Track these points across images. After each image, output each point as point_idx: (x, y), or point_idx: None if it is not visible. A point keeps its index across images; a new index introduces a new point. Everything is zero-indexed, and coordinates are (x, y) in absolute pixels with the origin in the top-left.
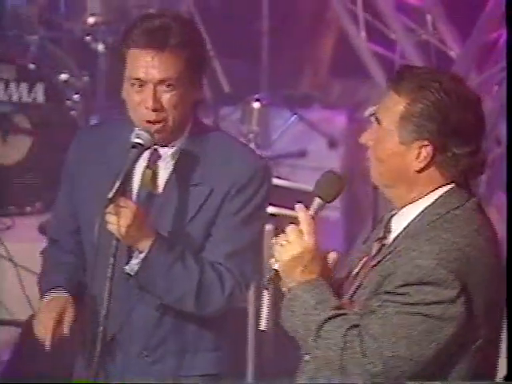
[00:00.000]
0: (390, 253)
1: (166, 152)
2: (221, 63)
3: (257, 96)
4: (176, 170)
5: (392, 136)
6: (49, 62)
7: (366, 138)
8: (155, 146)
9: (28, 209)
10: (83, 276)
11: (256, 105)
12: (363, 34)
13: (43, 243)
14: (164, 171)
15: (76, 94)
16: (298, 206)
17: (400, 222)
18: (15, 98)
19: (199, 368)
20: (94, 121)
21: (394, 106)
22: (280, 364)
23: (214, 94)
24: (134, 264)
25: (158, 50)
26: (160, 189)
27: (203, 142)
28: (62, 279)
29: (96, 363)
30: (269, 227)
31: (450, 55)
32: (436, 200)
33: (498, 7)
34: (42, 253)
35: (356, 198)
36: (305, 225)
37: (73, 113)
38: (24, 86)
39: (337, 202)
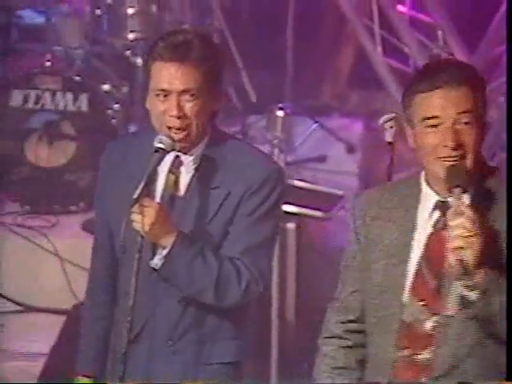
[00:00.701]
0: None
1: (188, 158)
2: (248, 75)
3: (281, 105)
4: (196, 174)
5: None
6: (92, 74)
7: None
8: (177, 153)
9: (72, 208)
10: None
11: (280, 113)
12: (379, 48)
13: (85, 240)
14: (185, 175)
15: (116, 103)
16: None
17: None
18: (61, 106)
19: (220, 356)
20: (132, 128)
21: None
22: (302, 350)
23: (242, 104)
24: (158, 259)
25: (180, 62)
26: (182, 192)
27: (221, 149)
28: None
29: (124, 353)
30: (291, 225)
31: None
32: None
33: (503, 23)
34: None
35: None
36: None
37: (113, 121)
38: (69, 96)
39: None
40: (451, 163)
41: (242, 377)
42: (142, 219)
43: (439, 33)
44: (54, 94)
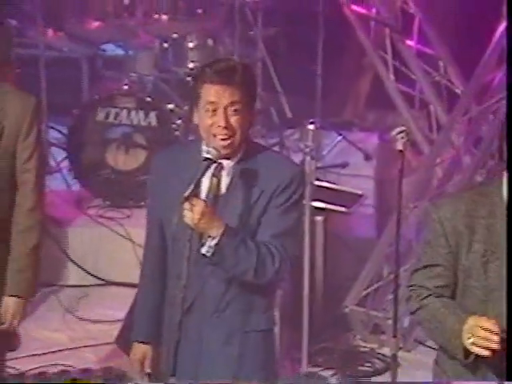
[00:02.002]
0: None
1: (228, 164)
2: (285, 96)
3: (312, 121)
4: (235, 177)
5: None
6: (160, 96)
7: None
8: (220, 160)
9: (142, 203)
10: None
11: (311, 127)
12: (392, 76)
13: None
14: (226, 178)
15: (179, 119)
16: None
17: None
18: (135, 122)
19: (255, 325)
20: (191, 138)
21: None
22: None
23: (280, 120)
24: (208, 247)
25: (226, 84)
26: (223, 191)
27: (254, 156)
28: None
29: (178, 323)
30: (319, 218)
31: (457, 92)
32: None
33: (494, 55)
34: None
35: (385, 197)
36: None
37: (176, 133)
38: (142, 114)
39: (370, 201)
40: None
41: (274, 342)
42: (192, 214)
43: (440, 63)
44: (129, 111)
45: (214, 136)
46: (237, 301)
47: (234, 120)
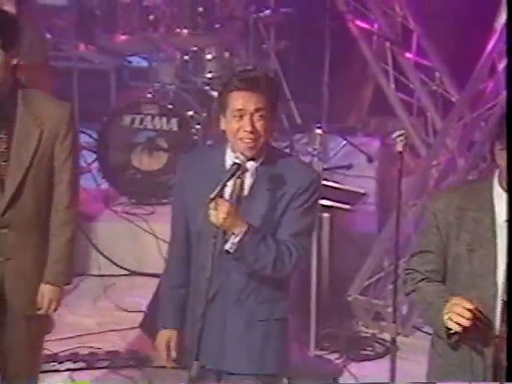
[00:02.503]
0: None
1: (252, 166)
2: (295, 104)
3: (319, 126)
4: (258, 179)
5: None
6: (181, 104)
7: None
8: (244, 165)
9: (164, 200)
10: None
11: (318, 132)
12: (392, 85)
13: None
14: (249, 179)
15: (198, 124)
16: None
17: None
18: (158, 127)
19: (272, 314)
20: (208, 142)
21: None
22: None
23: (290, 125)
24: (232, 243)
25: (252, 91)
26: (246, 192)
27: (276, 160)
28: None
29: (202, 312)
30: (326, 215)
31: (451, 100)
32: None
33: (486, 66)
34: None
35: (386, 196)
36: None
37: (195, 137)
38: (164, 119)
39: (372, 199)
40: None
41: (288, 330)
42: (217, 214)
43: (437, 74)
44: (153, 117)
45: (241, 139)
46: (256, 292)
47: (259, 125)
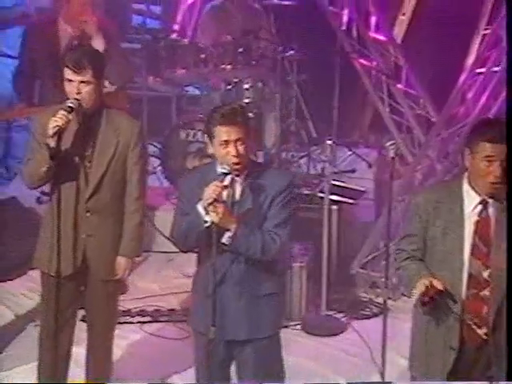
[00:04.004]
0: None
1: (240, 178)
2: (312, 122)
3: (330, 139)
4: (245, 187)
5: None
6: None
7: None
8: (233, 176)
9: None
10: None
11: (329, 143)
12: (387, 109)
13: None
14: (238, 188)
15: None
16: None
17: None
18: (206, 140)
19: (267, 289)
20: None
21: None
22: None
23: (308, 139)
24: (227, 237)
25: (232, 125)
26: (237, 198)
27: (258, 171)
28: None
29: (213, 291)
30: (335, 207)
31: (432, 120)
32: None
33: (459, 94)
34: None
35: (381, 193)
36: None
37: None
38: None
39: (371, 195)
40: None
41: (280, 302)
42: (215, 215)
43: (421, 100)
44: (202, 133)
45: (228, 162)
46: (252, 275)
47: (241, 149)
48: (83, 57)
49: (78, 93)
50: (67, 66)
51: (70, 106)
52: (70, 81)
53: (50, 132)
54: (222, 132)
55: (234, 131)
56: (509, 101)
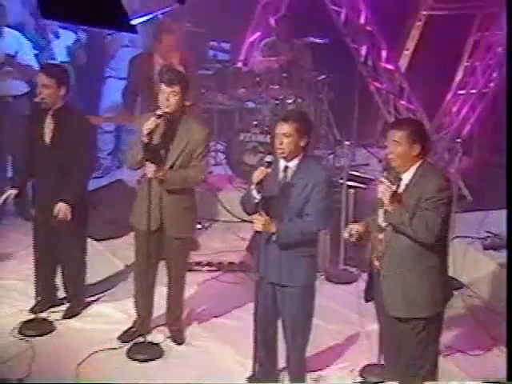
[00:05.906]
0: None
1: (292, 164)
2: (337, 128)
3: (350, 141)
4: (294, 173)
5: None
6: (272, 127)
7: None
8: (287, 163)
9: None
10: None
11: (349, 144)
12: (393, 119)
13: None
14: (291, 172)
15: None
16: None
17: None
18: (259, 140)
19: (307, 252)
20: None
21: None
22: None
23: (334, 140)
24: (274, 237)
25: (283, 123)
26: (288, 179)
27: (305, 161)
28: None
29: (263, 250)
30: (351, 191)
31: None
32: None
33: (446, 109)
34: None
35: None
36: None
37: None
38: (262, 136)
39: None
40: None
41: (315, 261)
42: (257, 225)
43: (418, 113)
44: (256, 135)
45: (275, 150)
46: (287, 259)
47: (286, 143)
48: (174, 75)
49: (168, 100)
50: (162, 81)
51: (159, 114)
52: (163, 92)
53: (144, 132)
54: (277, 127)
55: (283, 128)
56: (509, 100)
